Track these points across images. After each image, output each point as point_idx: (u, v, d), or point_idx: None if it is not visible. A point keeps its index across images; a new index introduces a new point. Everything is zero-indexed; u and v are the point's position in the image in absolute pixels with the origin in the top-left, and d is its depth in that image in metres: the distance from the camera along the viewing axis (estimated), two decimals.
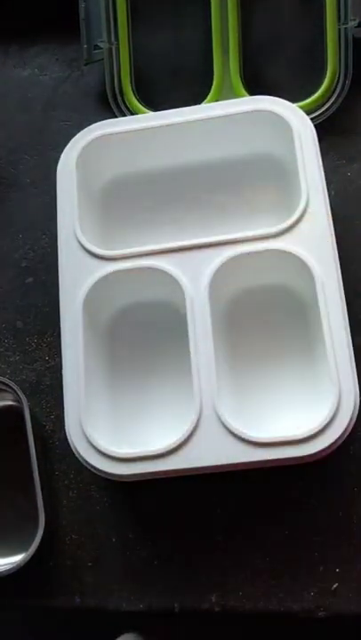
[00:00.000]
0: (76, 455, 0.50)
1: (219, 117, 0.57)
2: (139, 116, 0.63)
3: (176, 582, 0.53)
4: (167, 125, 0.58)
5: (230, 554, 0.53)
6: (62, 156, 0.58)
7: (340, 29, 0.63)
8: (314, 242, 0.53)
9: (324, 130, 0.63)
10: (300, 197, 0.54)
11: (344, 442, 0.52)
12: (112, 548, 0.55)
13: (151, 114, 0.62)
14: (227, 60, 0.65)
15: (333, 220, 0.58)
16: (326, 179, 0.54)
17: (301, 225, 0.53)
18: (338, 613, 0.52)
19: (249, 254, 0.53)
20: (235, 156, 0.61)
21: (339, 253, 0.53)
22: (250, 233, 0.53)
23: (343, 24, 0.63)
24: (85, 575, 0.55)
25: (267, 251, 0.53)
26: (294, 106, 0.57)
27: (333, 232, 0.53)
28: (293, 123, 0.56)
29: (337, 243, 0.53)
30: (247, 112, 0.57)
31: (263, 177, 0.61)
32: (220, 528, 0.54)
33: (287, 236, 0.53)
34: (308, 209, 0.53)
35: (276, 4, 0.66)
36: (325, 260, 0.52)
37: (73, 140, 0.59)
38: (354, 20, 0.62)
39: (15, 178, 0.67)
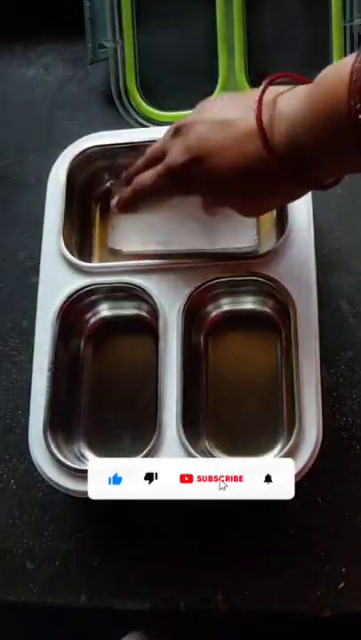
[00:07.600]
0: (36, 466, 0.50)
1: None
2: (133, 129, 0.63)
3: (182, 582, 0.53)
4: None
5: (236, 553, 0.53)
6: (53, 167, 0.58)
7: (345, 27, 0.62)
8: (295, 271, 0.52)
9: None
10: (286, 224, 0.53)
11: (349, 441, 0.52)
12: (118, 547, 0.55)
13: (145, 129, 0.61)
14: (232, 58, 0.64)
15: (337, 217, 0.58)
16: None
17: (284, 253, 0.52)
18: (344, 613, 0.51)
19: (227, 279, 0.53)
20: None
21: (341, 251, 0.53)
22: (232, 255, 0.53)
23: (348, 22, 0.62)
24: (91, 574, 0.55)
25: (246, 277, 0.53)
26: None
27: (315, 264, 0.52)
28: None
29: (340, 240, 0.52)
30: None
31: None
32: (225, 528, 0.54)
33: (269, 263, 0.52)
34: (293, 238, 0.52)
35: (281, 2, 0.65)
36: (305, 291, 0.51)
37: (63, 152, 0.58)
38: (359, 17, 0.62)
39: (21, 177, 0.67)
